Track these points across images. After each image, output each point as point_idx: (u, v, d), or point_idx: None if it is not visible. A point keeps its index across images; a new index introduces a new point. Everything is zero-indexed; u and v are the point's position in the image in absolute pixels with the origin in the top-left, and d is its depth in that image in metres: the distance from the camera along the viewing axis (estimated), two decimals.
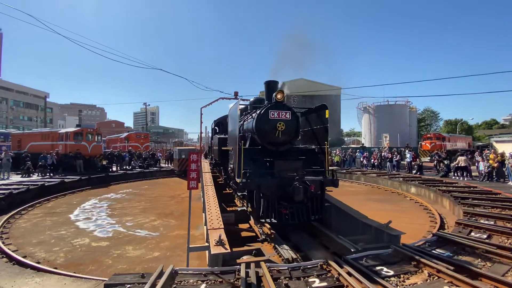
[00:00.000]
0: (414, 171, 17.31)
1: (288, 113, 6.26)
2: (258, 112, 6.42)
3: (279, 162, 6.08)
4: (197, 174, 4.93)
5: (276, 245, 5.26)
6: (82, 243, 6.54)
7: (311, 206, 5.87)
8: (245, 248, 4.97)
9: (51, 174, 15.74)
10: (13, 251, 5.64)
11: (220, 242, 4.25)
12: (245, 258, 4.43)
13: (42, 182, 12.49)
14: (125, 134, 32.81)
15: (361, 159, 22.19)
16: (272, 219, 5.76)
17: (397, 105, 41.14)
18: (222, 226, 5.00)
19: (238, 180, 5.79)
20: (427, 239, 5.96)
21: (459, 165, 14.44)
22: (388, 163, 18.94)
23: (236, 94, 23.08)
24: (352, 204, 10.51)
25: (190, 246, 4.61)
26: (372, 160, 20.82)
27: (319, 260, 4.16)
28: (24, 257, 5.41)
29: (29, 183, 12.27)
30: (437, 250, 5.16)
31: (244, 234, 6.72)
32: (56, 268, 4.91)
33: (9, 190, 10.26)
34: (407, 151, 19.06)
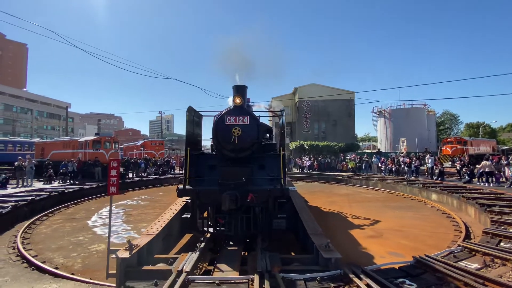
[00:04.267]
0: (435, 177, 16.58)
1: (246, 118, 5.88)
2: (217, 117, 6.25)
3: (224, 169, 5.81)
4: (117, 180, 5.05)
5: (189, 256, 4.73)
6: (99, 249, 6.63)
7: (255, 217, 5.64)
8: (164, 256, 4.85)
9: (71, 181, 16.29)
10: (33, 256, 5.79)
11: (129, 247, 4.34)
12: (160, 265, 4.42)
13: (63, 189, 12.91)
14: (141, 141, 33.62)
15: (379, 165, 21.54)
16: (210, 228, 5.63)
17: (414, 108, 40.01)
18: (156, 232, 5.16)
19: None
20: (452, 249, 5.62)
21: (483, 170, 13.69)
22: (406, 168, 18.28)
23: (248, 100, 23.15)
24: (369, 212, 10.18)
25: (110, 248, 4.64)
26: (389, 166, 20.17)
27: (337, 271, 3.99)
28: (43, 262, 5.54)
29: (50, 190, 12.72)
30: (463, 261, 4.84)
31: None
32: (73, 274, 4.98)
33: (32, 197, 10.65)
34: (428, 155, 18.32)
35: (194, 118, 6.97)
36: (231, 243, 5.77)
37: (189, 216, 6.34)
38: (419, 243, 6.75)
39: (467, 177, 14.82)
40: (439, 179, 15.94)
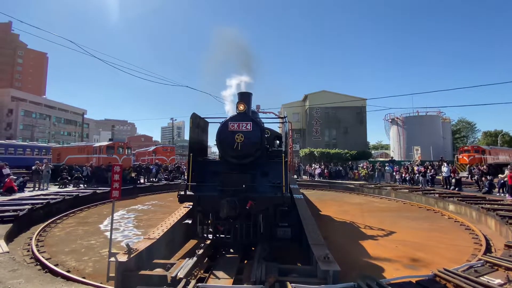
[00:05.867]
0: (451, 187, 15.98)
1: (249, 124, 5.89)
2: (220, 124, 6.29)
3: (224, 175, 5.81)
4: (119, 185, 5.10)
5: (185, 262, 4.72)
6: None
7: (255, 225, 5.55)
8: (162, 261, 4.84)
9: (85, 185, 16.66)
10: (46, 259, 5.89)
11: (128, 251, 4.38)
12: (157, 271, 4.42)
13: (77, 193, 13.22)
14: (153, 147, 34.19)
15: (394, 173, 20.99)
16: (210, 235, 5.62)
17: (428, 116, 39.06)
18: (157, 237, 5.22)
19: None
20: (472, 263, 5.35)
21: (505, 180, 13.08)
22: (421, 177, 17.73)
23: (258, 107, 23.31)
24: (383, 222, 9.87)
25: (112, 251, 4.66)
26: (403, 175, 19.62)
27: (350, 283, 3.85)
28: (56, 265, 5.63)
29: (65, 193, 13.04)
30: (485, 276, 4.59)
31: None
32: (84, 278, 5.03)
33: (47, 200, 10.93)
34: (444, 164, 17.70)
35: (199, 124, 7.03)
36: (231, 250, 5.72)
37: (190, 222, 6.35)
38: (437, 256, 6.47)
39: (486, 188, 14.20)
40: (456, 189, 15.36)
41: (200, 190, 5.83)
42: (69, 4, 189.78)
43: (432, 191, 14.70)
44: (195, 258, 4.79)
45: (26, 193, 13.28)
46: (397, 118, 40.27)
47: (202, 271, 4.80)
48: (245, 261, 5.23)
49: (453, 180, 16.18)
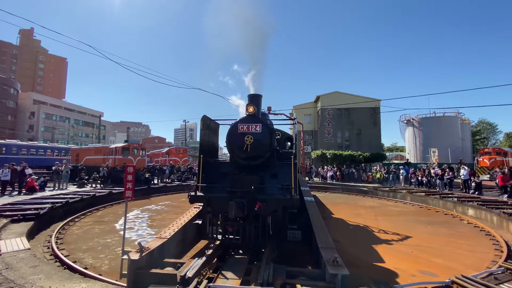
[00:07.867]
0: (471, 191, 15.36)
1: (258, 126, 5.94)
2: (230, 125, 6.34)
3: (233, 177, 5.84)
4: (132, 185, 5.25)
5: (194, 262, 4.76)
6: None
7: (264, 226, 5.54)
8: (173, 260, 4.88)
9: (102, 185, 17.19)
10: (65, 256, 6.13)
11: (140, 250, 4.48)
12: (167, 269, 4.50)
13: (94, 193, 13.67)
14: (166, 149, 34.89)
15: (409, 176, 20.43)
16: (219, 235, 5.69)
17: (445, 117, 37.79)
18: (168, 237, 5.36)
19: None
20: (492, 270, 5.14)
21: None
22: (438, 181, 17.14)
23: (269, 109, 23.26)
24: (398, 226, 9.62)
25: (125, 249, 4.78)
26: (420, 177, 19.03)
27: (362, 287, 3.78)
28: (74, 262, 5.84)
29: (83, 193, 13.51)
30: (506, 284, 4.41)
31: None
32: (100, 275, 5.19)
33: (66, 199, 11.37)
34: (465, 167, 17.02)
35: (209, 126, 7.12)
36: (240, 251, 5.76)
37: (200, 222, 6.46)
38: (454, 262, 6.24)
39: (509, 192, 13.56)
40: (476, 193, 14.75)
41: (210, 191, 5.92)
42: (85, 8, 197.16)
43: (450, 195, 14.20)
44: (204, 258, 4.87)
45: (47, 193, 13.86)
46: (412, 119, 39.20)
47: (210, 271, 4.87)
48: (254, 262, 5.25)
49: (473, 184, 15.55)
